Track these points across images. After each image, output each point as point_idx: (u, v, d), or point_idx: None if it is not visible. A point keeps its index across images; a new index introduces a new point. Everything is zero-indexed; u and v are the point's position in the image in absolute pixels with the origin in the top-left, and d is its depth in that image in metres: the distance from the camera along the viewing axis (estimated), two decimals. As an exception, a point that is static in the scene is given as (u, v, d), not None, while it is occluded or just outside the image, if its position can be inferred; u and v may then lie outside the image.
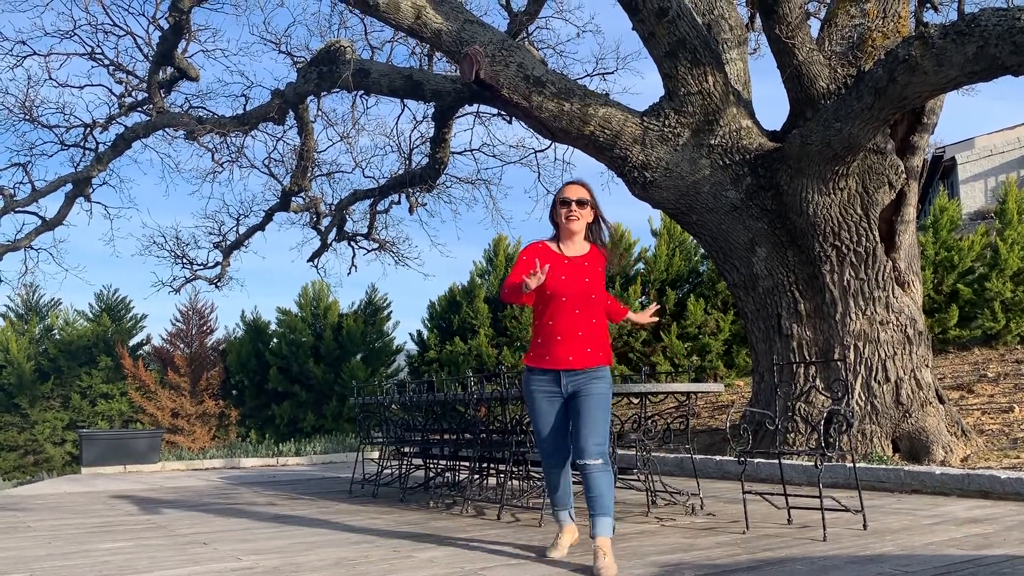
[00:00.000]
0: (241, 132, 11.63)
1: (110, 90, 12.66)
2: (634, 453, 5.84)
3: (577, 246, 4.05)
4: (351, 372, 16.56)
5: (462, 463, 7.12)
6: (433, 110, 11.47)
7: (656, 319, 4.08)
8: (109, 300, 19.01)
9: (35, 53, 11.93)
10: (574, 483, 4.23)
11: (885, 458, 6.88)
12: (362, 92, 10.61)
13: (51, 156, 12.64)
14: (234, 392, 17.92)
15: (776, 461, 6.42)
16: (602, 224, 4.13)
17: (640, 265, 15.43)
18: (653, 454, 6.26)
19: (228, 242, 14.01)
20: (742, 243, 7.74)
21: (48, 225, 12.12)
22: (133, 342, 18.70)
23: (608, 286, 14.94)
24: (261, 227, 13.77)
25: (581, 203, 4.00)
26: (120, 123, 12.49)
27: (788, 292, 7.63)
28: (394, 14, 7.68)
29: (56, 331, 18.49)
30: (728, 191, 7.60)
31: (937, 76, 6.07)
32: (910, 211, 7.73)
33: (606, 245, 4.15)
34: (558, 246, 4.05)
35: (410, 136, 17.48)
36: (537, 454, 4.17)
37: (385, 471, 7.75)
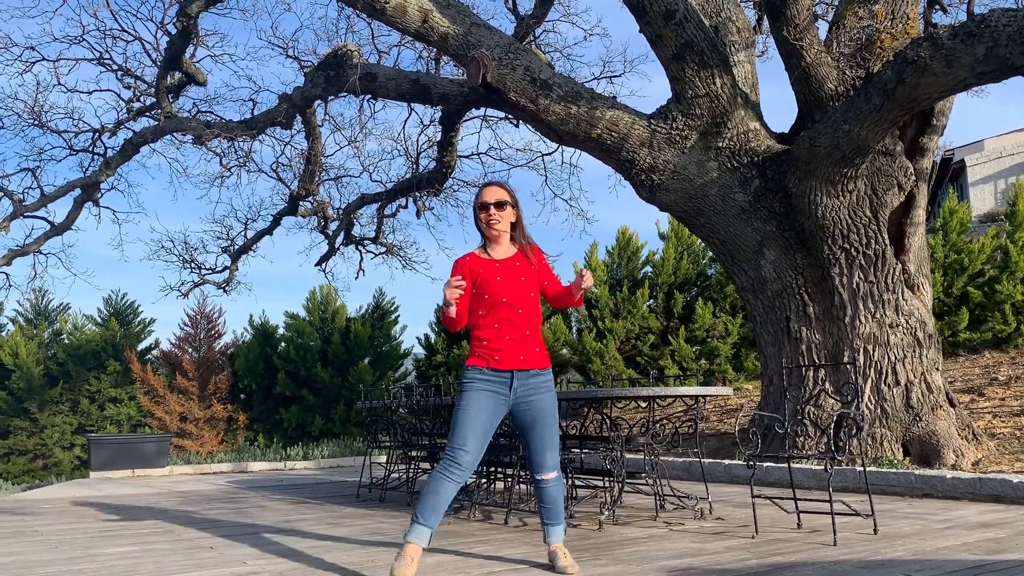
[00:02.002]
0: (249, 137, 11.65)
1: (118, 95, 12.73)
2: (642, 457, 5.81)
3: (504, 248, 3.90)
4: (359, 376, 16.57)
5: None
6: (440, 114, 11.48)
7: (589, 283, 3.69)
8: (118, 305, 19.08)
9: (44, 59, 12.01)
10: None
11: (895, 462, 6.84)
12: (369, 96, 10.62)
13: (60, 161, 12.73)
14: (242, 396, 17.95)
15: (785, 465, 6.38)
16: (520, 225, 3.95)
17: (648, 268, 15.40)
18: (661, 458, 6.23)
19: (236, 246, 14.05)
20: (750, 246, 7.71)
21: (57, 230, 12.16)
22: (141, 346, 18.76)
23: (616, 289, 14.96)
24: (269, 231, 13.81)
25: (500, 205, 3.85)
26: (128, 128, 12.56)
27: (797, 295, 7.59)
28: (401, 18, 7.68)
29: (65, 336, 18.57)
30: (736, 194, 7.57)
31: (946, 77, 6.04)
32: (919, 213, 7.69)
33: (531, 242, 3.96)
34: (486, 252, 3.91)
35: (417, 140, 17.53)
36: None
37: (392, 475, 7.74)
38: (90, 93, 12.58)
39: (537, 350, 3.81)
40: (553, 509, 3.79)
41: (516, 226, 3.93)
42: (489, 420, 3.69)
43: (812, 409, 7.32)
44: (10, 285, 12.85)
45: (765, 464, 7.01)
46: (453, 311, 3.73)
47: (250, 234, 13.97)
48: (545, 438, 3.75)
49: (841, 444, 4.64)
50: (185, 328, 18.34)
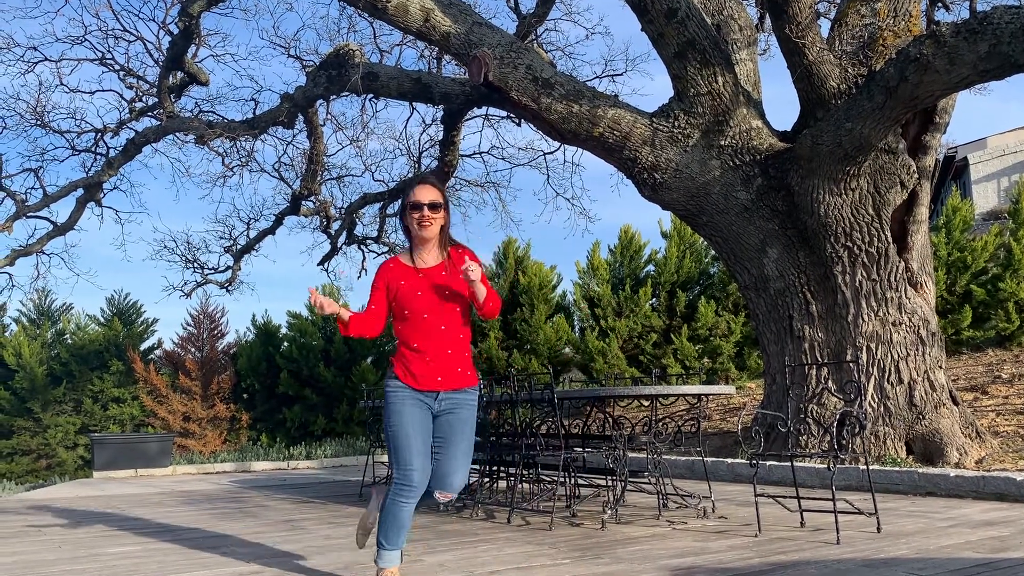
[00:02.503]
0: (251, 136, 11.65)
1: (120, 95, 12.73)
2: (645, 456, 5.81)
3: (432, 254, 3.58)
4: (361, 375, 16.58)
5: (472, 466, 7.09)
6: (442, 113, 11.47)
7: (474, 276, 3.33)
8: (120, 304, 19.09)
9: (46, 59, 12.01)
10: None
11: (899, 460, 6.83)
12: (371, 95, 10.61)
13: (62, 161, 12.74)
14: (245, 396, 17.96)
15: (788, 463, 6.38)
16: (448, 227, 3.65)
17: (651, 267, 15.39)
18: (664, 457, 6.23)
19: (239, 246, 14.06)
20: (753, 244, 7.70)
21: (60, 230, 12.17)
22: (144, 346, 18.77)
23: (619, 288, 14.95)
24: (271, 231, 13.81)
25: (434, 207, 3.52)
26: (131, 128, 12.56)
27: (800, 293, 7.58)
28: (403, 17, 7.67)
29: (68, 336, 18.59)
30: (739, 192, 7.56)
31: (949, 75, 6.02)
32: (922, 211, 7.67)
33: (459, 245, 3.66)
34: (411, 258, 3.58)
35: (419, 139, 17.53)
36: (398, 474, 3.41)
37: (395, 474, 7.72)
38: (92, 93, 12.60)
39: (459, 370, 3.51)
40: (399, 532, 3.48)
41: (444, 230, 3.61)
42: (424, 430, 3.46)
43: (815, 407, 7.32)
44: (13, 285, 12.87)
45: (768, 463, 7.00)
46: (345, 317, 3.47)
47: (252, 234, 13.98)
48: (458, 455, 3.48)
49: (844, 442, 4.64)
50: (188, 328, 18.35)
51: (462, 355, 3.55)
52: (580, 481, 6.38)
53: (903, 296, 7.37)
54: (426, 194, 3.52)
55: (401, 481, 3.38)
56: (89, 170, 12.38)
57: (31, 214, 11.97)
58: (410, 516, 3.45)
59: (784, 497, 5.11)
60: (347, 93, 10.12)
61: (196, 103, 13.46)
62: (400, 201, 3.64)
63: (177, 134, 11.94)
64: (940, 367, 7.39)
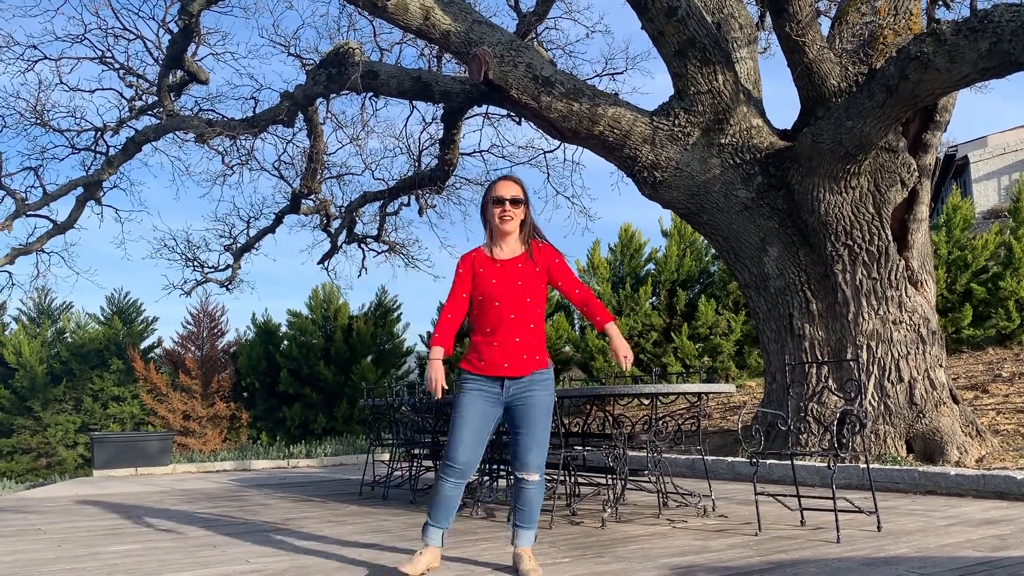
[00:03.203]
0: (251, 135, 11.65)
1: (120, 94, 12.73)
2: (645, 454, 5.80)
3: (511, 247, 3.80)
4: (361, 374, 16.58)
5: (472, 465, 7.08)
6: (442, 111, 11.47)
7: (628, 361, 3.64)
8: (120, 303, 19.09)
9: (46, 57, 12.01)
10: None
11: (899, 459, 6.82)
12: (371, 94, 10.60)
13: (62, 160, 12.72)
14: (245, 394, 17.96)
15: (789, 462, 6.38)
16: (530, 223, 3.86)
17: (651, 266, 15.39)
18: (664, 455, 6.22)
19: (239, 245, 14.06)
20: (753, 243, 7.70)
21: (59, 228, 12.17)
22: (144, 345, 18.77)
23: (619, 287, 14.95)
24: (271, 230, 13.81)
25: (515, 202, 3.75)
26: (130, 126, 12.56)
27: (800, 292, 7.57)
28: (403, 15, 7.67)
29: (68, 334, 18.59)
30: (739, 190, 7.55)
31: (950, 73, 6.02)
32: (923, 209, 7.67)
33: (543, 239, 3.87)
34: (490, 249, 3.83)
35: (419, 138, 17.51)
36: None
37: (395, 473, 7.74)
38: (92, 92, 12.59)
39: (525, 356, 3.68)
40: (527, 512, 3.70)
41: (524, 224, 3.82)
42: (482, 422, 3.65)
43: (815, 406, 7.31)
44: (13, 284, 12.87)
45: (768, 461, 7.00)
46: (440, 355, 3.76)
47: (252, 232, 13.98)
48: (532, 436, 3.64)
49: (844, 441, 4.63)
50: (188, 326, 18.34)
51: (532, 343, 3.71)
52: (580, 479, 6.38)
53: (903, 295, 7.37)
54: (508, 190, 3.76)
55: (450, 466, 3.63)
56: (89, 169, 12.38)
57: (31, 212, 11.97)
58: (456, 499, 3.68)
59: (784, 496, 5.10)
60: (347, 91, 10.11)
61: (196, 102, 13.47)
62: (483, 196, 3.87)
63: (177, 133, 11.94)
64: (940, 365, 7.38)
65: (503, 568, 3.81)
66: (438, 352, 3.73)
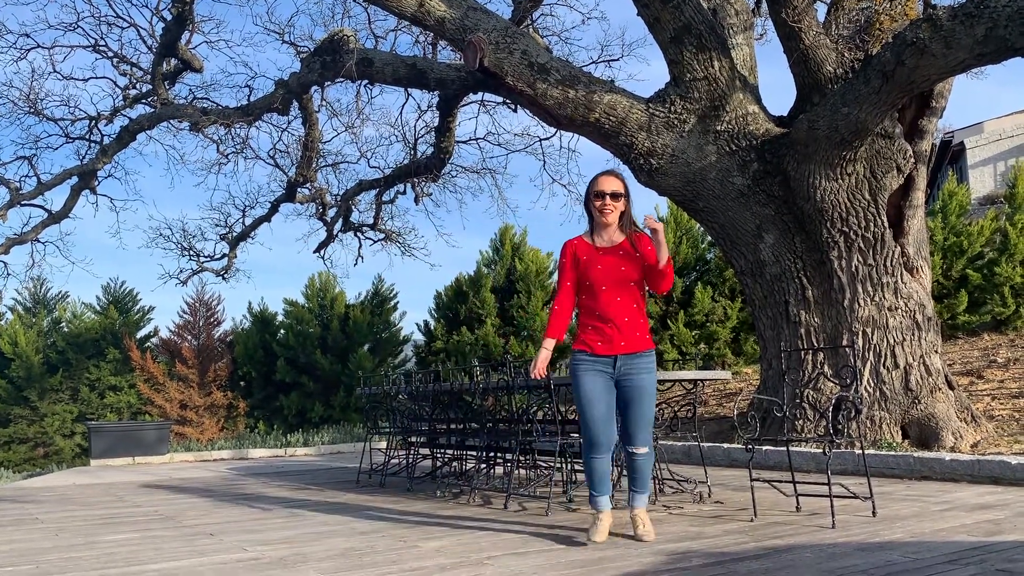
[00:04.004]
0: (245, 123, 11.61)
1: (114, 82, 12.67)
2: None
3: (611, 236, 4.10)
4: (358, 362, 16.58)
5: (469, 452, 7.11)
6: (438, 99, 11.43)
7: (657, 228, 3.88)
8: (116, 292, 19.06)
9: (39, 46, 11.93)
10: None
11: (894, 444, 6.85)
12: (366, 81, 10.56)
13: (56, 149, 12.67)
14: (242, 383, 17.97)
15: (784, 448, 6.39)
16: (630, 214, 4.16)
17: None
18: (660, 442, 6.24)
19: (234, 234, 14.02)
20: (749, 230, 7.69)
21: (54, 218, 12.13)
22: (141, 334, 18.76)
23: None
24: (267, 218, 13.78)
25: (616, 196, 4.04)
26: (125, 115, 12.50)
27: (796, 278, 7.58)
28: (397, 2, 7.62)
29: (64, 324, 18.56)
30: (735, 177, 7.54)
31: (946, 59, 6.00)
32: (919, 196, 7.67)
33: (639, 228, 4.15)
34: (592, 238, 4.13)
35: (415, 126, 17.47)
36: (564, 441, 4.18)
37: (392, 461, 7.75)
38: (86, 80, 12.53)
39: (638, 334, 4.00)
40: (639, 478, 4.08)
41: (625, 215, 4.10)
42: (607, 396, 3.98)
43: (811, 392, 7.33)
44: (8, 274, 12.85)
45: (764, 447, 7.02)
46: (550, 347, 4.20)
47: (248, 221, 13.94)
48: (640, 415, 3.98)
49: (840, 427, 4.64)
50: (184, 315, 18.33)
51: (637, 322, 4.03)
52: (577, 467, 6.40)
53: (899, 281, 7.37)
54: (609, 184, 4.06)
55: (592, 444, 3.99)
56: (83, 158, 12.33)
57: (25, 202, 11.93)
58: (608, 466, 4.07)
59: (780, 482, 5.12)
60: (342, 79, 10.07)
61: (190, 90, 13.38)
62: (586, 189, 4.14)
63: (171, 121, 11.89)
64: (936, 352, 7.40)
65: (498, 555, 3.81)
66: (550, 343, 4.16)
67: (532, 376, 4.13)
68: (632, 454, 4.05)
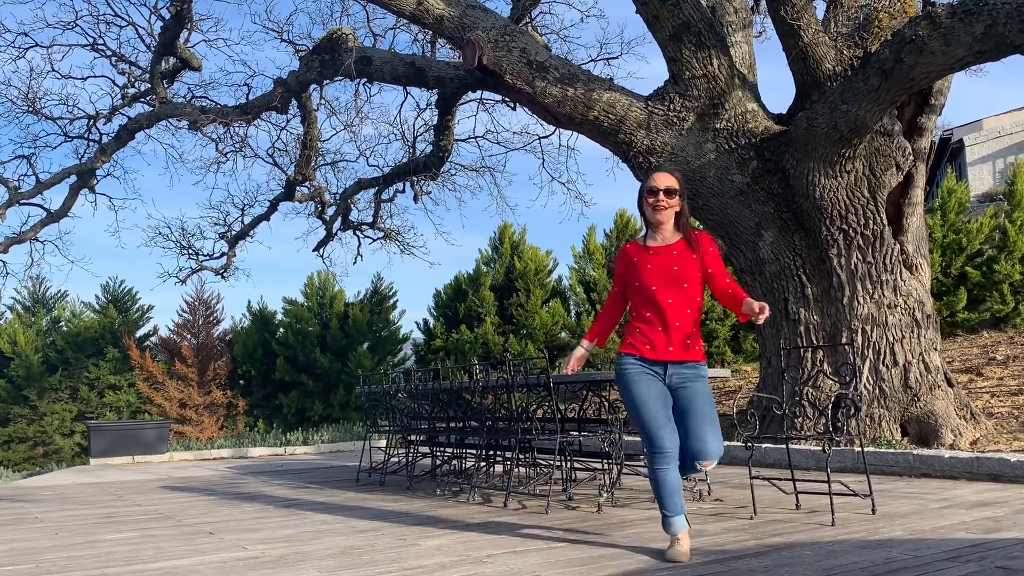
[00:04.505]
0: (244, 122, 11.60)
1: (113, 81, 12.67)
2: (641, 439, 5.81)
3: (665, 236, 3.85)
4: (358, 361, 16.58)
5: (469, 451, 7.12)
6: (436, 97, 11.42)
7: (763, 315, 3.57)
8: (115, 291, 19.05)
9: (37, 44, 11.93)
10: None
11: (894, 442, 6.85)
12: (365, 80, 10.56)
13: (55, 148, 12.66)
14: (241, 382, 17.96)
15: (784, 446, 6.39)
16: (686, 214, 3.92)
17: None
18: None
19: (233, 232, 14.02)
20: (748, 227, 7.69)
21: (53, 217, 12.12)
22: (140, 333, 18.75)
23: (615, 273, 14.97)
24: (266, 217, 13.77)
25: (669, 192, 3.80)
26: (123, 114, 12.50)
27: (795, 276, 7.58)
28: (396, 0, 7.62)
29: (63, 323, 18.55)
30: (734, 175, 7.54)
31: (945, 56, 6.00)
32: (918, 193, 7.66)
33: (693, 227, 3.93)
34: (644, 239, 3.90)
35: (414, 124, 17.44)
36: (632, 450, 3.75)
37: (392, 459, 7.75)
38: (84, 79, 12.51)
39: (688, 341, 3.71)
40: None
41: (681, 215, 3.87)
42: (663, 400, 3.67)
43: (810, 390, 7.33)
44: (7, 273, 12.85)
45: (763, 445, 7.02)
46: (588, 347, 4.03)
47: (247, 220, 13.94)
48: (706, 421, 3.62)
49: (839, 425, 4.65)
50: (183, 314, 18.32)
51: (689, 329, 3.73)
52: (576, 465, 6.40)
53: (898, 278, 7.37)
54: (663, 180, 3.82)
55: (655, 451, 3.59)
56: (82, 157, 12.33)
57: (24, 201, 11.93)
58: (678, 479, 3.62)
59: (780, 479, 5.12)
60: (341, 77, 10.07)
61: (189, 89, 13.34)
62: (639, 188, 3.92)
63: (170, 120, 11.88)
64: (935, 349, 7.40)
65: (497, 553, 3.82)
66: (587, 344, 4.00)
67: (565, 371, 3.98)
68: (699, 470, 3.68)
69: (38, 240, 12.39)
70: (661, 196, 3.79)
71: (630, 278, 3.84)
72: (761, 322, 3.57)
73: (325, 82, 11.07)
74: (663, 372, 3.69)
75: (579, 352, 3.98)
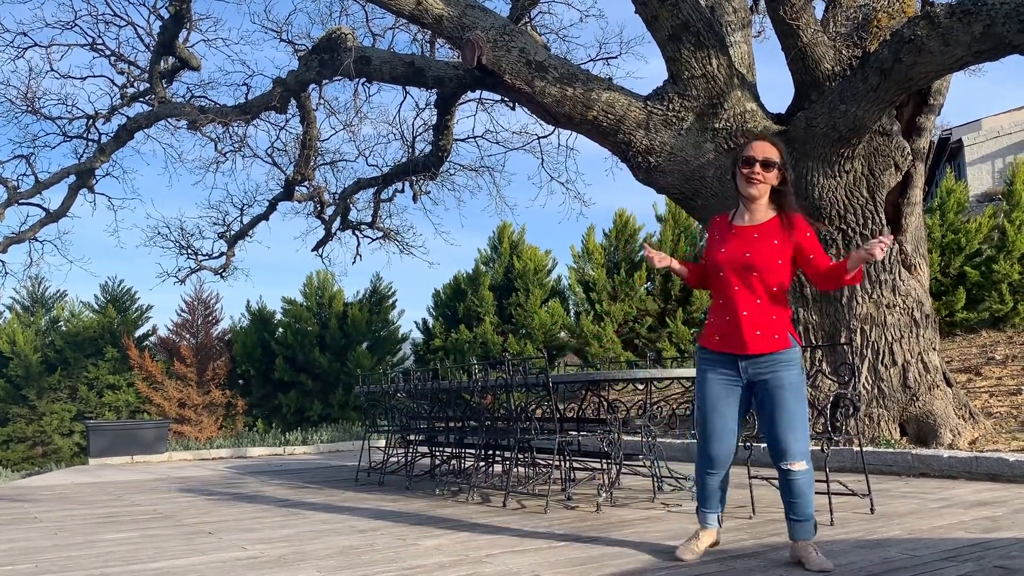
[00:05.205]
0: (243, 121, 11.60)
1: (112, 81, 12.66)
2: (640, 439, 5.82)
3: (757, 214, 3.47)
4: (357, 361, 16.59)
5: (468, 451, 7.12)
6: (435, 97, 11.42)
7: (885, 246, 3.14)
8: (114, 291, 19.05)
9: (36, 44, 11.91)
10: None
11: (892, 442, 6.86)
12: (364, 79, 10.55)
13: (54, 148, 12.65)
14: (240, 382, 17.97)
15: (783, 446, 6.39)
16: (788, 192, 3.52)
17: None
18: (659, 440, 6.24)
19: (232, 232, 14.01)
20: (747, 227, 7.69)
21: (52, 217, 12.12)
22: (139, 333, 18.75)
23: (614, 272, 14.95)
24: (265, 217, 13.76)
25: (767, 164, 3.40)
26: (122, 114, 12.49)
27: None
28: (395, 0, 7.62)
29: (62, 323, 18.55)
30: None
31: (943, 56, 6.01)
32: (916, 193, 7.67)
33: (796, 208, 3.53)
34: (733, 214, 3.54)
35: (413, 124, 17.45)
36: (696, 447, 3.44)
37: (391, 459, 7.76)
38: (83, 79, 12.49)
39: (758, 333, 3.34)
40: (797, 504, 3.35)
41: (782, 192, 3.49)
42: (726, 405, 3.40)
43: (809, 390, 7.33)
44: (6, 272, 12.84)
45: (762, 445, 7.01)
46: (679, 267, 3.62)
47: (246, 220, 13.92)
48: (785, 417, 3.30)
49: (838, 424, 4.65)
50: (182, 314, 18.33)
51: (766, 319, 3.37)
52: (575, 464, 6.41)
53: (897, 278, 7.38)
54: (761, 150, 3.43)
55: (702, 455, 3.46)
56: (81, 156, 12.31)
57: (23, 201, 11.92)
58: (719, 488, 3.51)
59: (778, 479, 5.12)
60: (340, 77, 10.06)
61: (188, 88, 13.34)
62: (733, 155, 3.54)
63: (169, 120, 11.87)
64: (934, 349, 7.41)
65: (496, 553, 3.82)
66: (681, 268, 3.62)
67: (647, 256, 3.50)
68: (786, 472, 3.33)
69: (37, 240, 12.39)
70: (757, 168, 3.39)
71: (708, 255, 3.49)
72: (880, 255, 3.16)
73: (324, 82, 11.07)
74: (736, 367, 3.39)
75: (676, 265, 3.57)
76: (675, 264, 3.58)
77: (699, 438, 3.47)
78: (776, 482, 3.51)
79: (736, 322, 3.37)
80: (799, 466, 3.32)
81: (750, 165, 3.41)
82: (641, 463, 6.01)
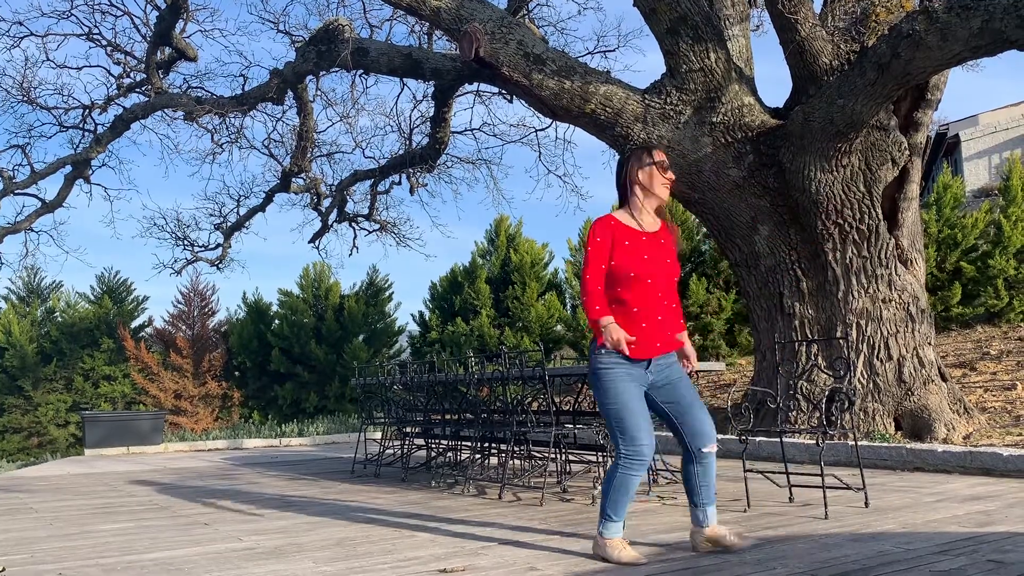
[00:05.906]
0: (240, 113, 11.57)
1: (108, 71, 12.63)
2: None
3: (651, 219, 3.53)
4: (353, 353, 16.59)
5: (464, 443, 7.13)
6: (433, 89, 11.39)
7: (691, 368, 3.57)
8: (110, 282, 19.03)
9: (32, 34, 11.87)
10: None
11: (887, 436, 6.88)
12: (361, 71, 10.53)
13: (50, 138, 12.63)
14: (236, 373, 17.97)
15: (778, 439, 6.42)
16: None
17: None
18: (655, 433, 6.25)
19: (229, 224, 13.99)
20: (744, 221, 7.70)
21: (48, 207, 12.10)
22: (135, 324, 18.74)
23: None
24: (262, 208, 13.74)
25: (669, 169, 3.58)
26: (119, 104, 12.46)
27: (790, 270, 7.59)
28: (392, -8, 7.60)
29: (58, 313, 18.54)
30: (730, 169, 7.55)
31: (941, 51, 6.01)
32: (913, 188, 7.68)
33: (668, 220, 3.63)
34: (632, 218, 3.49)
35: (410, 116, 17.38)
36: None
37: (387, 451, 7.76)
38: (79, 69, 12.47)
39: (669, 333, 3.49)
40: (710, 487, 3.47)
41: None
42: (643, 402, 3.43)
43: (805, 384, 7.35)
44: (2, 263, 12.82)
45: (757, 439, 7.04)
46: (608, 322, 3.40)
47: (243, 211, 13.90)
48: (698, 406, 3.46)
49: (833, 418, 4.67)
50: (178, 305, 18.33)
51: (673, 321, 3.52)
52: (571, 457, 6.42)
53: (893, 273, 7.39)
54: (663, 156, 3.55)
55: (633, 456, 3.35)
56: (77, 147, 12.29)
57: (19, 191, 11.90)
58: (635, 489, 3.44)
59: (773, 473, 5.14)
60: (337, 69, 10.04)
61: (185, 79, 13.28)
62: (638, 159, 3.53)
63: (166, 110, 11.85)
64: (929, 344, 7.43)
65: (492, 545, 3.83)
66: (610, 319, 3.36)
67: (625, 350, 3.33)
68: (707, 455, 3.44)
69: (33, 230, 12.37)
70: (670, 173, 3.54)
71: (619, 263, 3.39)
72: (689, 368, 3.60)
73: (321, 73, 11.05)
74: (645, 369, 3.42)
75: (618, 329, 3.35)
76: (613, 322, 3.41)
77: (624, 439, 3.35)
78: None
79: (653, 328, 3.42)
80: (715, 447, 3.48)
81: (667, 170, 3.54)
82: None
